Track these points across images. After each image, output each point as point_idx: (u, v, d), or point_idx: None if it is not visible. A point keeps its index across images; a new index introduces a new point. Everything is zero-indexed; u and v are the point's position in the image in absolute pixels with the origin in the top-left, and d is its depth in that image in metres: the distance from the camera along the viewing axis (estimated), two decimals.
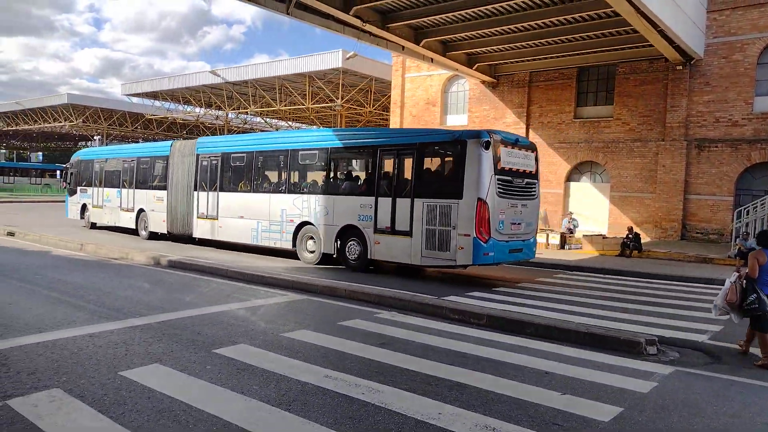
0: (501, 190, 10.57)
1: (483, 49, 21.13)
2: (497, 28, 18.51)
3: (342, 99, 33.14)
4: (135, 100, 46.72)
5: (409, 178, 11.32)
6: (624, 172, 21.45)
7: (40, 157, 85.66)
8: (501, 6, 16.54)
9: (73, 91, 68.56)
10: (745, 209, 17.87)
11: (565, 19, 17.58)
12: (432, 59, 21.36)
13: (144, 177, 18.10)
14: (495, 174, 10.41)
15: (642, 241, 17.80)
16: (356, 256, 12.16)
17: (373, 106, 35.21)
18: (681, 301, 10.09)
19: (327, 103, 35.02)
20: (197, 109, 46.16)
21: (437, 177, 11.43)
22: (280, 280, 10.02)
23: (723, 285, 6.61)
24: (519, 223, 11.13)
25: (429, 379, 5.11)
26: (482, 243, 10.27)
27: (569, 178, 22.97)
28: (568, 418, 4.35)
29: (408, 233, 11.08)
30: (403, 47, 19.84)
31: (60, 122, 54.99)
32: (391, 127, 27.55)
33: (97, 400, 4.31)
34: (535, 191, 11.70)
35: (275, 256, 14.57)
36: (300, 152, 13.63)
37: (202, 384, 4.78)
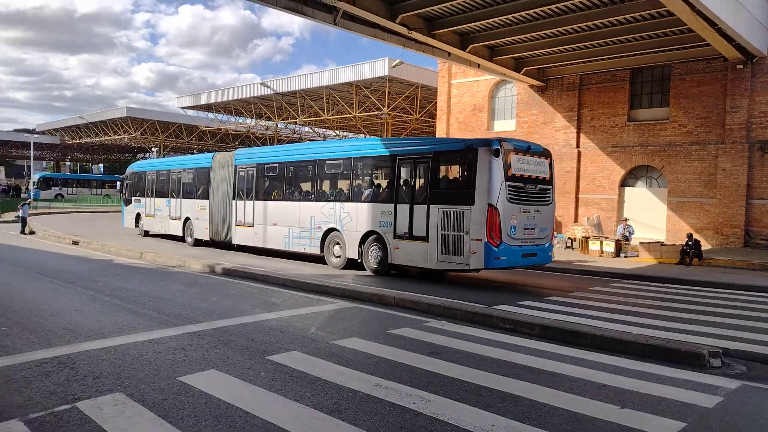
0: (512, 196, 10.90)
1: (531, 52, 20.81)
2: (546, 31, 18.19)
3: (388, 107, 33.28)
4: (190, 112, 48.33)
5: (426, 185, 11.81)
6: (682, 176, 20.63)
7: (101, 169, 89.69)
8: (550, 8, 16.26)
9: (131, 105, 71.71)
10: None
11: (616, 20, 17.09)
12: (479, 65, 21.19)
13: (189, 187, 19.16)
14: (505, 180, 10.78)
15: (702, 248, 17.04)
16: (378, 260, 12.65)
17: (419, 113, 35.20)
18: (746, 312, 9.58)
19: (373, 111, 35.25)
20: (248, 120, 47.38)
21: (451, 184, 11.87)
22: (330, 288, 10.12)
23: None
24: (532, 228, 11.40)
25: (481, 389, 5.03)
26: (494, 247, 10.63)
27: (623, 183, 22.27)
28: None
29: (425, 238, 11.54)
30: (450, 53, 19.77)
31: (119, 135, 57.57)
32: (437, 134, 27.48)
33: (157, 405, 4.45)
34: (549, 197, 11.91)
35: (305, 261, 15.09)
36: (326, 162, 14.29)
37: (257, 390, 4.87)
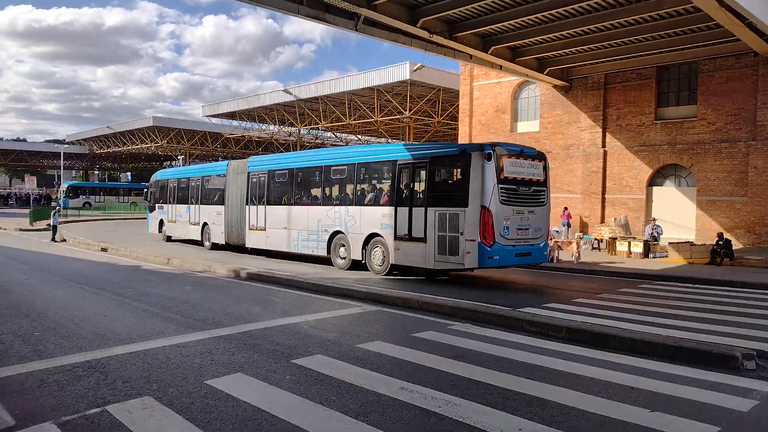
0: (505, 198, 11.29)
1: (554, 52, 20.60)
2: (570, 31, 17.98)
3: (410, 111, 33.26)
4: (214, 120, 48.99)
5: (423, 189, 12.30)
6: (711, 174, 20.16)
7: (129, 177, 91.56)
8: (573, 8, 16.06)
9: (157, 114, 73.04)
10: None
11: (641, 17, 16.81)
12: (501, 66, 21.04)
13: (207, 194, 19.84)
14: (498, 183, 11.18)
15: (733, 247, 16.62)
16: (381, 261, 13.13)
17: (441, 116, 35.10)
18: None
19: (395, 115, 35.27)
20: (272, 127, 47.79)
21: (447, 187, 12.31)
22: (354, 291, 10.16)
23: None
24: (526, 229, 11.77)
25: (507, 393, 4.98)
26: (487, 247, 11.03)
27: (651, 183, 21.86)
28: None
29: (423, 239, 12.02)
30: (471, 56, 19.68)
31: (146, 143, 58.67)
32: (459, 136, 27.38)
33: (185, 408, 4.51)
34: (543, 198, 12.27)
35: (312, 262, 15.62)
36: (332, 168, 14.79)
37: (283, 394, 4.90)
